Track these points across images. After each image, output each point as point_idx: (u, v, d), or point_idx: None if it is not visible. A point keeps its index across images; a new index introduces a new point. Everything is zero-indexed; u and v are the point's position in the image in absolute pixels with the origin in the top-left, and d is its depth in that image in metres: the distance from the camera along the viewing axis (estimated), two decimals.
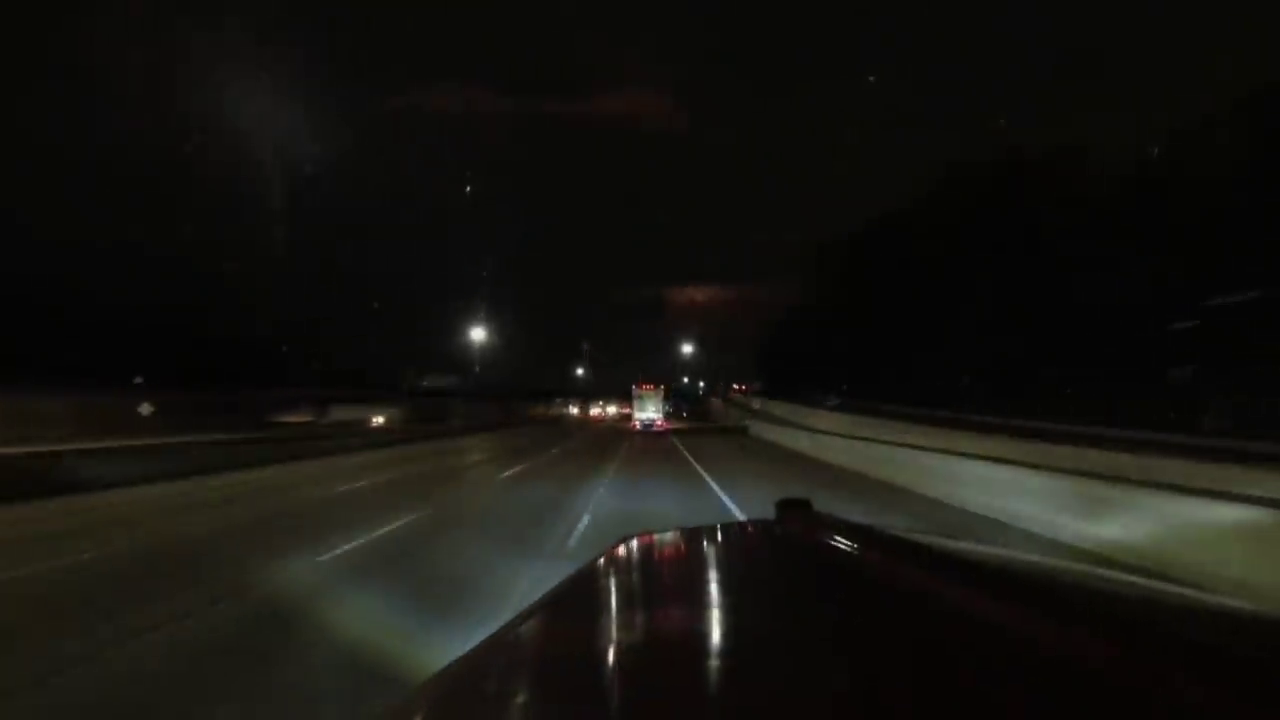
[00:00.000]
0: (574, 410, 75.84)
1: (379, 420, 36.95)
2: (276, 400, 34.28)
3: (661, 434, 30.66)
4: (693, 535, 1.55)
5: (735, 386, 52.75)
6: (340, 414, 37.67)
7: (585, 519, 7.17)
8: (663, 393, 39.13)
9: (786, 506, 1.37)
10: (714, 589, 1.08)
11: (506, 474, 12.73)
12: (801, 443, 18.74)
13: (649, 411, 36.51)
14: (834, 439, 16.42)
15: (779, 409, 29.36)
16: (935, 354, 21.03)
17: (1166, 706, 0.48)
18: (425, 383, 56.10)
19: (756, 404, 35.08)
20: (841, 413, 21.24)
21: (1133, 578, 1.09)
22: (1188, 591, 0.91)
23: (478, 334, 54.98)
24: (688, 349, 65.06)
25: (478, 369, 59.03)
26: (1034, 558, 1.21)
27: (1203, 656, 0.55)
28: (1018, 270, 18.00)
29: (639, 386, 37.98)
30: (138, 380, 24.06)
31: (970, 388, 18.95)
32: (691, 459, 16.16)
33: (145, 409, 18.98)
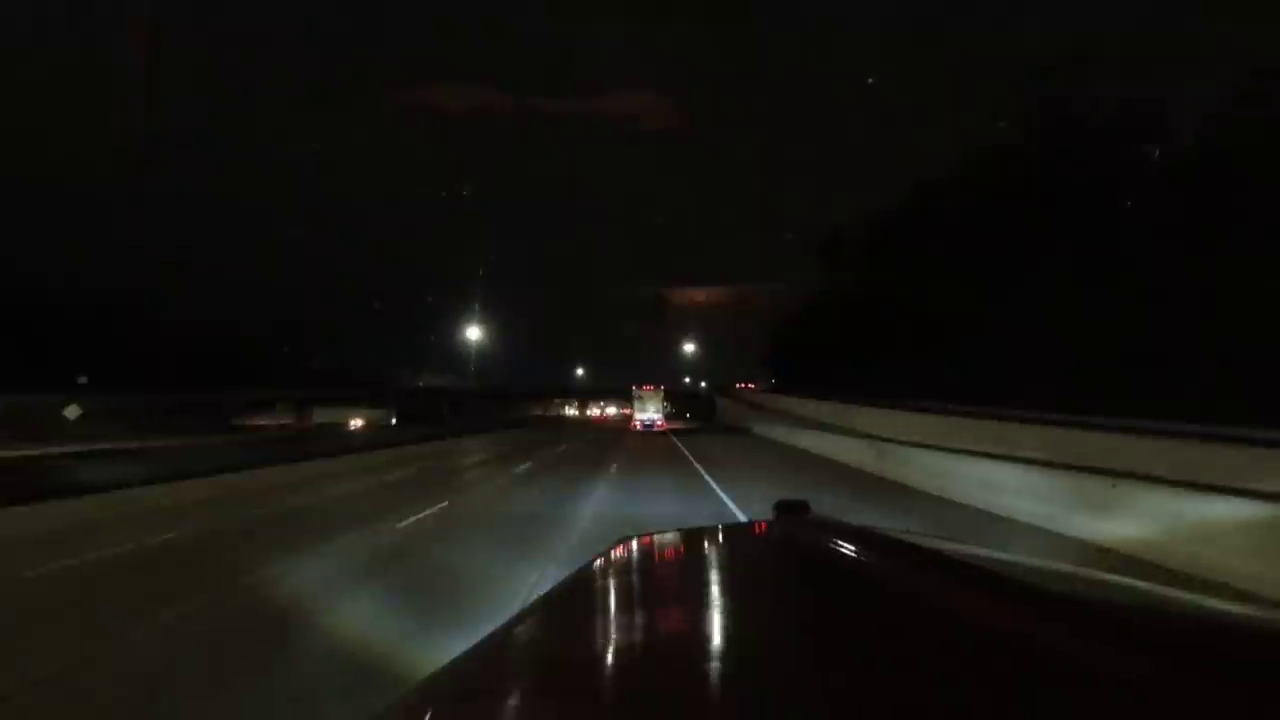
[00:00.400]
0: (571, 410, 73.56)
1: (357, 423, 34.80)
2: (254, 401, 32.07)
3: (662, 433, 31.23)
4: (690, 536, 1.54)
5: (739, 385, 50.68)
6: (323, 416, 35.64)
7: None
8: (662, 394, 40.26)
9: (784, 508, 1.38)
10: (711, 590, 1.06)
11: (417, 517, 7.81)
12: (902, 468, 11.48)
13: (649, 412, 37.79)
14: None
15: (820, 410, 21.68)
16: (971, 345, 18.91)
17: (1161, 705, 0.48)
18: (421, 382, 54.69)
19: (769, 402, 31.87)
20: (925, 414, 14.60)
21: (1129, 580, 1.00)
22: (1185, 595, 0.89)
23: (474, 333, 53.04)
24: (689, 347, 62.68)
25: (473, 368, 57.36)
26: (1031, 560, 1.16)
27: (1199, 657, 0.55)
28: (1069, 248, 15.98)
29: (639, 388, 39.08)
30: (82, 380, 21.66)
31: (1021, 380, 16.61)
32: (713, 483, 11.21)
33: (72, 411, 16.52)
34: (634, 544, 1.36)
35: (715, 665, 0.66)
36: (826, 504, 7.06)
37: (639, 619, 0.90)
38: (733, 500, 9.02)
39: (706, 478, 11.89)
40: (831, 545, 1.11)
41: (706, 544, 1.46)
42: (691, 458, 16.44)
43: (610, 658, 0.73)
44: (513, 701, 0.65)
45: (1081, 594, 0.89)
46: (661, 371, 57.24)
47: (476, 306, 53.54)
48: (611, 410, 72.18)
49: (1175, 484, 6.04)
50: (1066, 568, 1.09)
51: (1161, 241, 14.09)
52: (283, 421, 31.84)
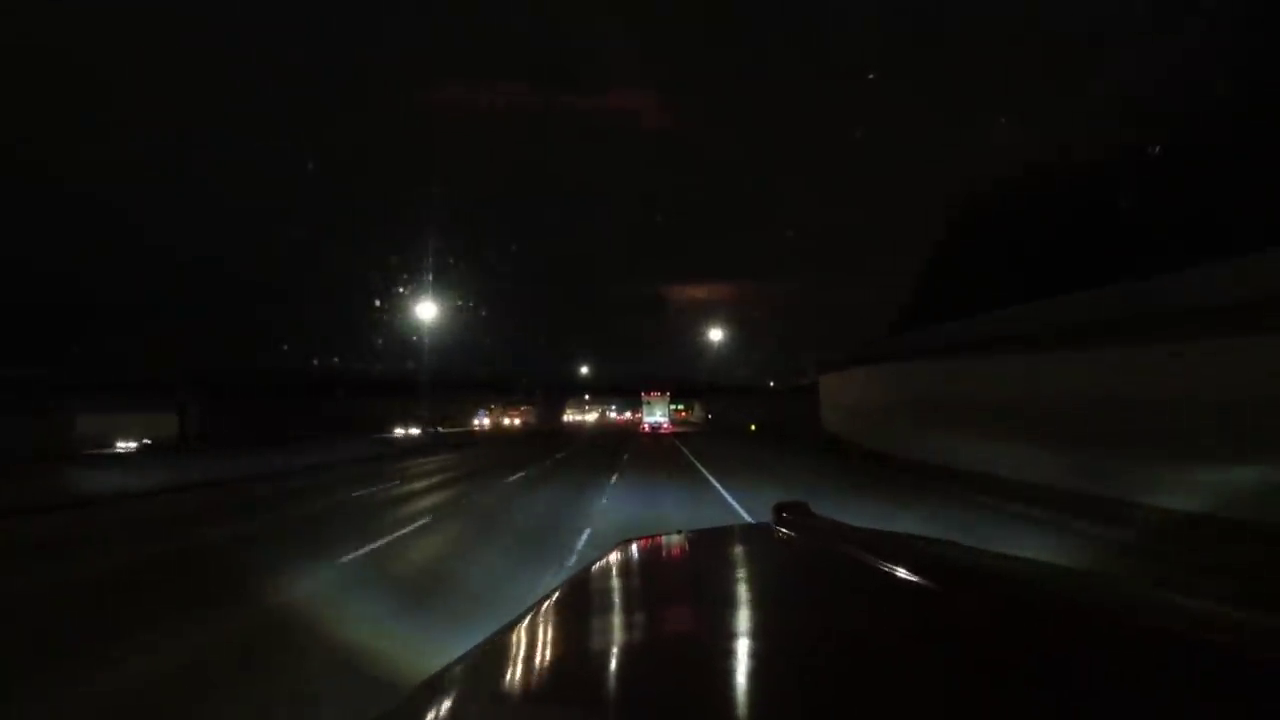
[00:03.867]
0: (483, 421, 53.90)
1: (129, 445, 21.10)
2: None
3: (671, 439, 31.08)
4: (690, 539, 1.54)
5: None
6: (97, 425, 22.31)
7: None
8: (668, 399, 43.20)
9: (783, 509, 1.35)
10: (711, 592, 1.06)
11: None
12: None
13: (656, 415, 41.16)
14: None
15: None
16: None
17: (1157, 706, 0.48)
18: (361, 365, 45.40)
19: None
20: None
21: (1132, 580, 1.03)
22: (1182, 598, 0.85)
23: (428, 311, 38.51)
24: (717, 335, 49.45)
25: (425, 357, 43.98)
26: (1034, 561, 1.14)
27: (1197, 659, 0.54)
28: None
29: (647, 395, 41.53)
30: None
31: None
32: None
33: None
34: (633, 546, 1.36)
35: (715, 667, 0.65)
36: None
37: (639, 621, 0.91)
38: None
39: None
40: (829, 545, 1.11)
41: (706, 546, 1.46)
42: None
43: (610, 660, 0.73)
44: (512, 704, 0.65)
45: (1084, 596, 0.86)
46: (670, 368, 46.50)
47: (429, 284, 40.56)
48: (613, 416, 58.31)
49: None
50: (1070, 568, 1.09)
51: None
52: None
